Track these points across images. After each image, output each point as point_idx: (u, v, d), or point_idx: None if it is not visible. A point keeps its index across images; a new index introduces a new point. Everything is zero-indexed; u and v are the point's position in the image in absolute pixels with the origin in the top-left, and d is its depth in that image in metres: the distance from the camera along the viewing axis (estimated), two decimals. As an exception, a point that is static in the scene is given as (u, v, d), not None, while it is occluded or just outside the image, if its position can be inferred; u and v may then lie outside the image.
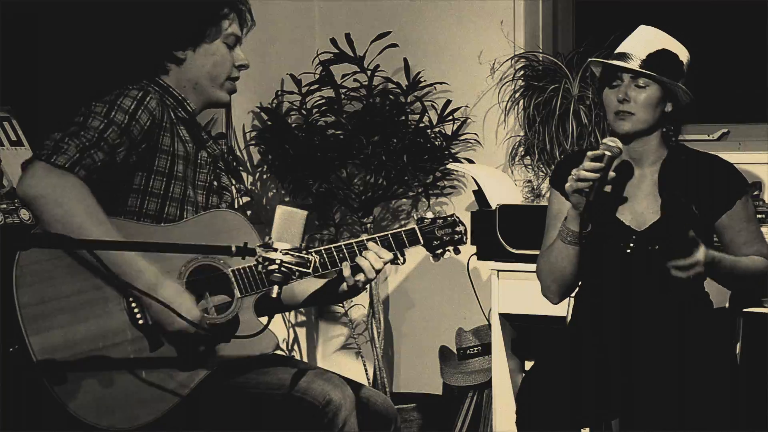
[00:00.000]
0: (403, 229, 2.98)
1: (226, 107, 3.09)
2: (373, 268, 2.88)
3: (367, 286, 3.08)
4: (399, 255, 2.95)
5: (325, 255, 2.89)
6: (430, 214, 3.02)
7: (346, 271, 2.89)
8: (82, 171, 2.73)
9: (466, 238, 3.04)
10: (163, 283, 2.72)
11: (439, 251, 3.00)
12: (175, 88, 3.00)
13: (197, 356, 2.79)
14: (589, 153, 2.93)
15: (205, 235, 2.86)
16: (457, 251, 3.01)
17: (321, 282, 3.03)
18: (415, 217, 3.03)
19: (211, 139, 3.13)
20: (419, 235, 2.98)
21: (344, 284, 2.94)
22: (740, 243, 3.06)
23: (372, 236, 2.94)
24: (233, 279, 2.83)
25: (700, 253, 2.87)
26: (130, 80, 2.98)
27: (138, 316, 2.75)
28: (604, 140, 2.96)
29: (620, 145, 2.96)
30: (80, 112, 2.84)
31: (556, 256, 3.05)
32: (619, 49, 3.05)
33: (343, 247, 2.91)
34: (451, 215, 3.03)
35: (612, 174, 2.94)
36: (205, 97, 3.02)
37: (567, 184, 2.94)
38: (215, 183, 3.03)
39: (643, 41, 3.03)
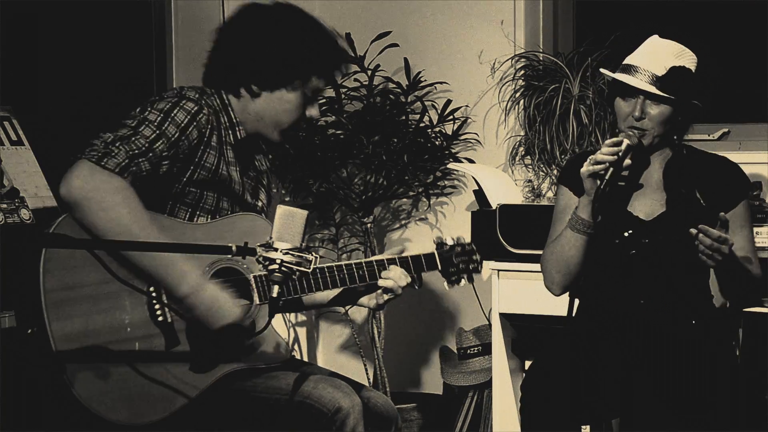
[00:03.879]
0: (423, 253, 3.01)
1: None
2: (399, 285, 2.94)
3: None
4: (416, 279, 3.00)
5: (345, 271, 2.91)
6: (449, 240, 3.06)
7: (383, 283, 2.95)
8: (129, 177, 2.71)
9: (481, 267, 3.09)
10: (205, 284, 2.73)
11: (455, 278, 3.06)
12: (236, 111, 2.95)
13: (210, 359, 2.79)
14: (608, 140, 2.98)
15: (228, 236, 2.84)
16: (470, 279, 3.06)
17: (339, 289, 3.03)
18: (435, 241, 3.05)
19: (263, 154, 3.10)
20: (438, 261, 3.03)
21: (369, 298, 3.00)
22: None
23: (392, 257, 2.97)
24: (254, 285, 2.83)
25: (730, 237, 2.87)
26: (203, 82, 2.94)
27: (158, 312, 2.75)
28: (624, 129, 3.02)
29: (638, 136, 3.01)
30: (133, 114, 2.80)
31: (564, 245, 3.07)
32: (632, 61, 3.05)
33: (363, 264, 2.93)
34: (470, 243, 3.08)
35: (628, 162, 2.97)
36: (261, 130, 2.97)
37: (583, 168, 2.98)
38: (253, 199, 3.02)
39: (658, 55, 3.02)
